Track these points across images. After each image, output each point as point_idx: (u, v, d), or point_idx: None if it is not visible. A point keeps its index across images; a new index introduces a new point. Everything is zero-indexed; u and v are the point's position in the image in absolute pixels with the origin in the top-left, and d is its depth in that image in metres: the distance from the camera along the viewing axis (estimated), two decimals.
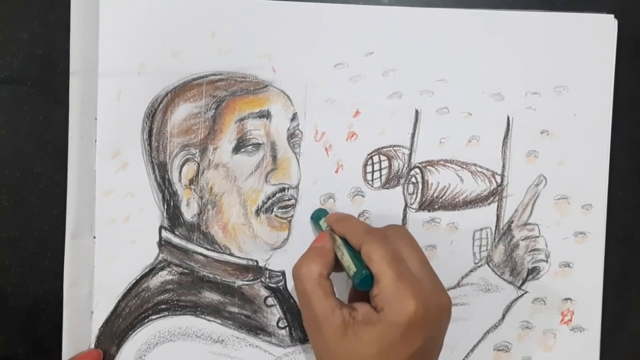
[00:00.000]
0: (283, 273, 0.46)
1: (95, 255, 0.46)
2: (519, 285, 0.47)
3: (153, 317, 0.46)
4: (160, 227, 0.46)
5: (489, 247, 0.47)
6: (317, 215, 0.45)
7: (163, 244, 0.46)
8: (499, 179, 0.47)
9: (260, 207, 0.46)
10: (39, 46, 0.46)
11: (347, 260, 0.40)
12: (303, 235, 0.46)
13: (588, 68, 0.46)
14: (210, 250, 0.46)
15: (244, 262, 0.46)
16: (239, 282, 0.46)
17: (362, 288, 0.38)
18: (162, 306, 0.46)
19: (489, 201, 0.47)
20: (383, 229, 0.41)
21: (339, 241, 0.41)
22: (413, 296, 0.36)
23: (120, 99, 0.45)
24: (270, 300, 0.46)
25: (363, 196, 0.46)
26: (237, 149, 0.46)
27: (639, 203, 0.48)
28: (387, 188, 0.46)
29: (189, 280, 0.46)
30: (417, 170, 0.46)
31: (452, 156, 0.47)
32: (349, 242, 0.40)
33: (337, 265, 0.41)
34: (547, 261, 0.47)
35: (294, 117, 0.46)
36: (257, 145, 0.46)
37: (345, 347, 0.37)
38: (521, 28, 0.46)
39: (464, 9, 0.46)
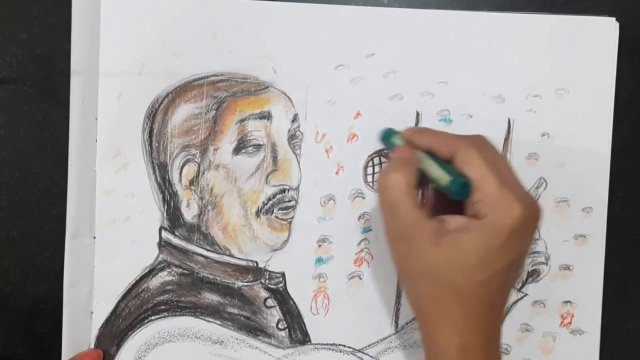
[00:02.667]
0: (283, 274, 0.46)
1: (95, 255, 0.46)
2: (518, 287, 0.47)
3: (153, 317, 0.46)
4: (161, 228, 0.46)
5: None
6: (388, 134, 0.43)
7: (163, 244, 0.46)
8: None
9: (261, 208, 0.46)
10: (39, 46, 0.46)
11: (436, 171, 0.38)
12: (303, 236, 0.46)
13: (589, 71, 0.46)
14: (210, 251, 0.46)
15: (244, 263, 0.46)
16: (238, 283, 0.46)
17: (459, 197, 0.37)
18: (162, 307, 0.46)
19: None
20: (469, 136, 0.39)
21: (420, 154, 0.40)
22: (518, 200, 0.35)
23: (121, 99, 0.45)
24: (270, 302, 0.46)
25: (364, 198, 0.46)
26: (237, 150, 0.46)
27: (639, 203, 0.48)
28: None
29: (189, 281, 0.46)
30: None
31: None
32: (437, 152, 0.39)
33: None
34: (547, 264, 0.47)
35: (294, 119, 0.46)
36: (258, 147, 0.46)
37: (440, 257, 0.36)
38: (522, 30, 0.46)
39: (466, 11, 0.46)
